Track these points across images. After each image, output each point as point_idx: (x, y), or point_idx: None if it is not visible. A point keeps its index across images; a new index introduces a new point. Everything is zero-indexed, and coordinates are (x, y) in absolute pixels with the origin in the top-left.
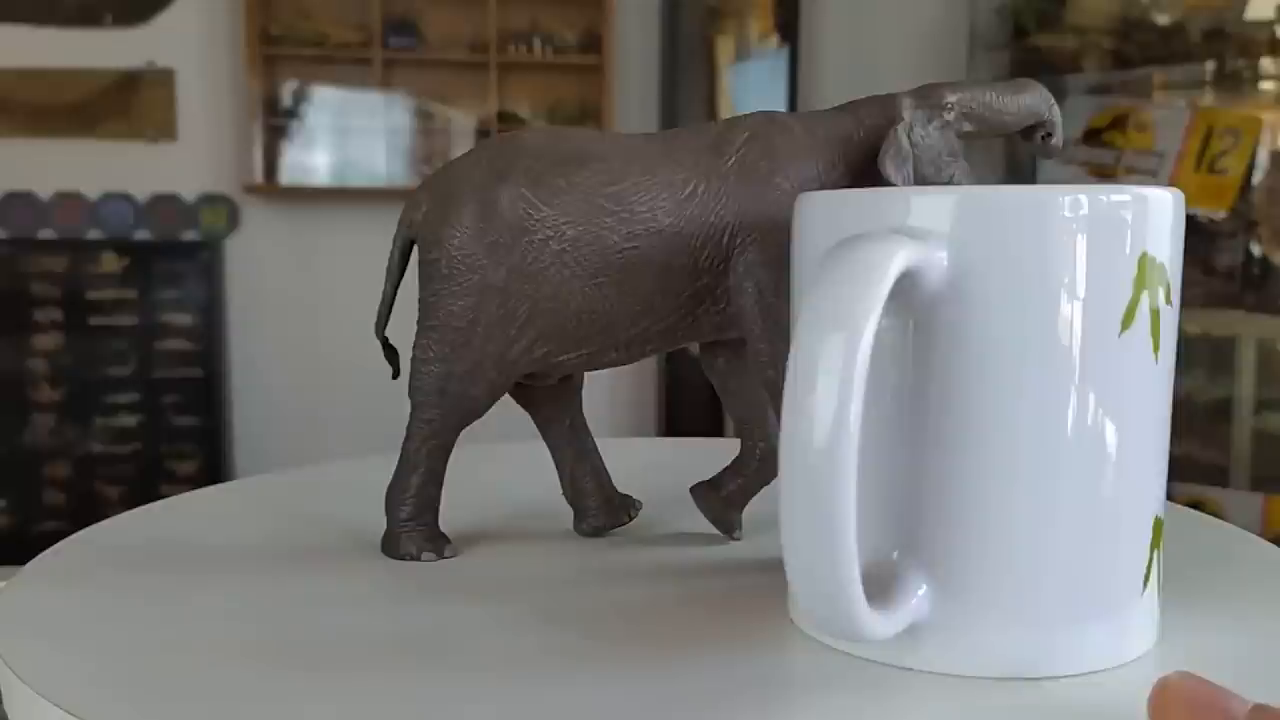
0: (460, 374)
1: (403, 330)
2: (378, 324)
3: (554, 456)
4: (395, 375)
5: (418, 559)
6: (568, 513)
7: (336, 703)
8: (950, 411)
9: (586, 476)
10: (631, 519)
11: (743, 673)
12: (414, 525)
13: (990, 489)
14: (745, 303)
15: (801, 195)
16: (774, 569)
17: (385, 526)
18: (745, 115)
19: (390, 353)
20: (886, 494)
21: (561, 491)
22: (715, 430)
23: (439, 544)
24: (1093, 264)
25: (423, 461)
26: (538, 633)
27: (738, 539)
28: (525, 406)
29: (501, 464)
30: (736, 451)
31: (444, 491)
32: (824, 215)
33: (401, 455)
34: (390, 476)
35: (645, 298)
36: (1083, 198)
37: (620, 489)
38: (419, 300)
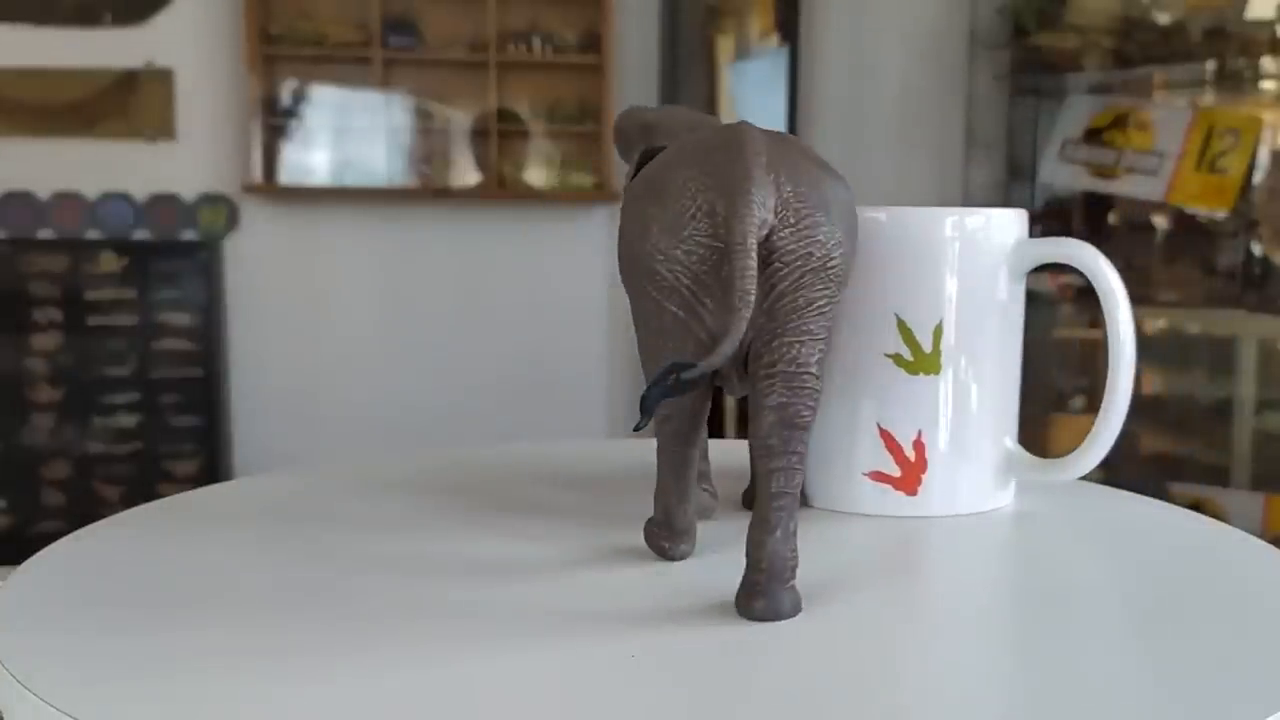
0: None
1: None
2: (720, 355)
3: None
4: (642, 425)
5: (799, 611)
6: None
7: (336, 701)
8: None
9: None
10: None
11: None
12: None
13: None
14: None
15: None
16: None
17: (752, 585)
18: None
19: (663, 394)
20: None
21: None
22: (713, 430)
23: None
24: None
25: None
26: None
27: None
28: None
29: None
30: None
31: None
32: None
33: (790, 496)
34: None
35: None
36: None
37: (623, 490)
38: (801, 308)
